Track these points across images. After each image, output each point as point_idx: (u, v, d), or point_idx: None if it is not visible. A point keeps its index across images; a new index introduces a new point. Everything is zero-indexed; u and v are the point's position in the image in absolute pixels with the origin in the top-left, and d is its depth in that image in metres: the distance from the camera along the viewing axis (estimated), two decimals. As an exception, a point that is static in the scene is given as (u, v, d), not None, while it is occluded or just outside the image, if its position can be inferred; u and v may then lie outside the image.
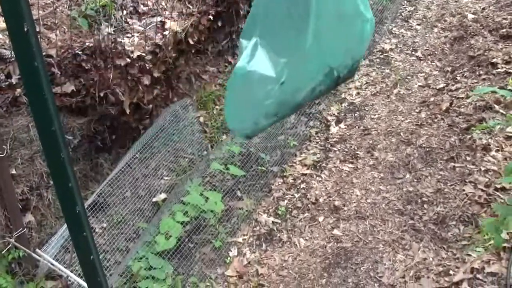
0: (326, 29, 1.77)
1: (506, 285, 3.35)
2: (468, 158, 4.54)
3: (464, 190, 4.23)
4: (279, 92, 1.78)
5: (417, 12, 7.79)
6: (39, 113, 1.72)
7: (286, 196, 4.57)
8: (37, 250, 3.58)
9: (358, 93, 6.01)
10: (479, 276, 3.49)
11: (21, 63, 1.55)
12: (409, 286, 3.55)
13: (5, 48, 3.69)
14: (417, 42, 6.91)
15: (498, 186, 4.13)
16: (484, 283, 3.42)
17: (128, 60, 4.08)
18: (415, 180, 4.50)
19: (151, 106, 4.52)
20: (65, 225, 3.70)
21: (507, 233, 3.69)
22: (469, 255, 3.67)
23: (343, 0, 1.80)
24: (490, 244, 3.68)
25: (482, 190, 4.16)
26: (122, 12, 4.36)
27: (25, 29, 1.42)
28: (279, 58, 1.73)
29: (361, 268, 3.78)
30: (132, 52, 4.12)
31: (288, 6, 1.71)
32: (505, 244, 3.62)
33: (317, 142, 5.26)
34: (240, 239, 4.15)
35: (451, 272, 3.58)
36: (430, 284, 3.53)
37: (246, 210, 4.37)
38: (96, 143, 4.26)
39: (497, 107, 4.96)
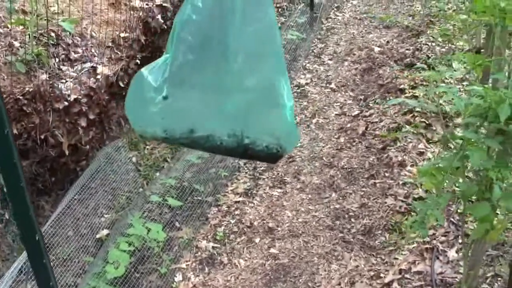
0: (241, 97, 1.92)
1: (432, 280, 3.68)
2: (387, 174, 4.93)
3: (386, 202, 4.59)
4: (166, 108, 1.96)
5: (327, 48, 8.31)
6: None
7: (223, 223, 4.80)
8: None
9: (280, 125, 6.35)
10: (407, 275, 3.81)
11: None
12: (345, 291, 3.84)
13: None
14: (330, 75, 7.38)
15: (416, 196, 4.51)
16: (412, 281, 3.74)
17: (66, 103, 4.26)
18: (340, 198, 4.84)
19: (88, 147, 4.68)
20: (12, 268, 3.78)
21: (427, 236, 4.07)
22: (396, 258, 4.00)
23: (266, 80, 1.90)
24: (413, 247, 4.03)
25: (402, 201, 4.54)
26: (55, 60, 4.53)
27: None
28: (170, 78, 1.93)
29: (300, 280, 4.03)
30: (69, 95, 4.30)
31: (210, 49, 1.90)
32: (427, 246, 3.98)
33: (246, 172, 5.54)
34: (183, 265, 4.33)
35: (381, 275, 3.89)
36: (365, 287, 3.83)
37: (187, 238, 4.56)
38: (37, 186, 4.36)
39: (408, 127, 5.41)
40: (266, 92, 1.89)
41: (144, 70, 1.98)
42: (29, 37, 4.33)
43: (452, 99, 5.32)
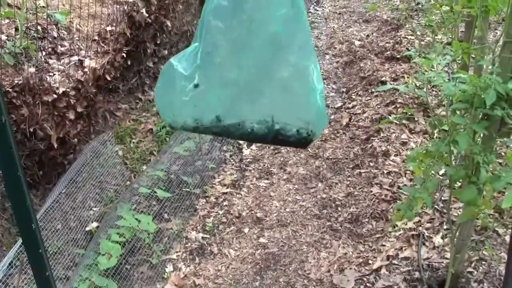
0: (271, 84, 1.91)
1: (419, 266, 3.77)
2: (372, 164, 5.02)
3: (371, 191, 4.68)
4: (197, 96, 1.97)
5: (308, 42, 8.36)
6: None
7: (211, 214, 4.84)
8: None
9: (265, 118, 6.43)
10: (394, 261, 3.89)
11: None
12: (335, 278, 3.90)
13: None
14: (312, 68, 7.44)
15: (401, 185, 4.61)
16: (400, 267, 3.83)
17: (55, 96, 4.27)
18: (327, 187, 4.91)
19: (76, 140, 4.70)
20: (2, 262, 3.79)
21: (413, 223, 4.16)
22: (384, 245, 4.08)
23: (296, 65, 1.90)
24: (400, 234, 4.12)
25: (387, 190, 4.63)
26: (42, 53, 4.54)
27: None
28: (201, 64, 1.95)
29: (290, 268, 4.10)
30: (57, 88, 4.31)
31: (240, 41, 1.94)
32: (413, 232, 4.07)
33: (233, 164, 5.60)
34: (174, 256, 4.36)
35: (370, 261, 3.97)
36: (353, 274, 3.90)
37: (176, 230, 4.60)
38: (25, 179, 4.35)
39: (390, 117, 5.50)
40: (296, 77, 1.92)
41: (173, 60, 1.99)
42: (18, 30, 4.34)
43: (435, 86, 5.42)
